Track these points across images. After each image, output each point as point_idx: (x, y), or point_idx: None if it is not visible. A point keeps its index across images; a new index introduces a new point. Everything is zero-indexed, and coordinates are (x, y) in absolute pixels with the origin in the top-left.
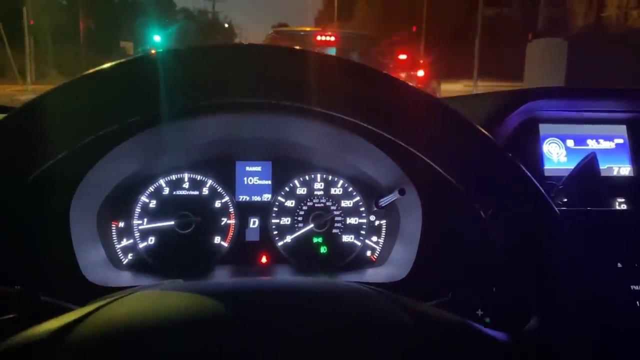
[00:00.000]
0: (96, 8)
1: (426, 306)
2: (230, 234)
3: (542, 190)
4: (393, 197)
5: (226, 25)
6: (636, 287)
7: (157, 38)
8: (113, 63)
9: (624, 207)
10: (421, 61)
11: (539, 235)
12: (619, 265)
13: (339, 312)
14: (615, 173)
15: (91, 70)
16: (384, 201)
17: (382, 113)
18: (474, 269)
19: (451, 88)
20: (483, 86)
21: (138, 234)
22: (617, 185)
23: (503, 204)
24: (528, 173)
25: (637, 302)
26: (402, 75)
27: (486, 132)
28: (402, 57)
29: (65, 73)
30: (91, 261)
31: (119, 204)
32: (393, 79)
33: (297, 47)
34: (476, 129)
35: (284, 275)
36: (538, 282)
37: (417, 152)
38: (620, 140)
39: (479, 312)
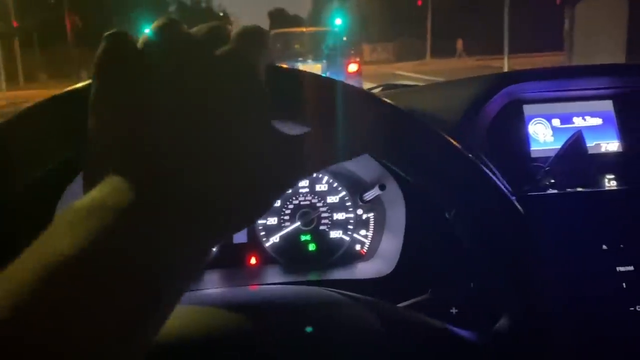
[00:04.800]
0: (83, 4)
1: (394, 306)
2: None
3: (502, 187)
4: (375, 192)
5: (221, 14)
6: (622, 269)
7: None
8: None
9: (613, 183)
10: None
11: (502, 234)
12: (604, 247)
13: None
14: (603, 150)
15: (45, 99)
16: (368, 196)
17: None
18: (454, 263)
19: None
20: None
21: None
22: (606, 162)
23: (464, 203)
24: (487, 170)
25: (624, 284)
26: None
27: (441, 132)
28: None
29: (56, 76)
30: None
31: None
32: (338, 83)
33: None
34: (431, 128)
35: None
36: (504, 280)
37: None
38: (607, 116)
39: (453, 310)
